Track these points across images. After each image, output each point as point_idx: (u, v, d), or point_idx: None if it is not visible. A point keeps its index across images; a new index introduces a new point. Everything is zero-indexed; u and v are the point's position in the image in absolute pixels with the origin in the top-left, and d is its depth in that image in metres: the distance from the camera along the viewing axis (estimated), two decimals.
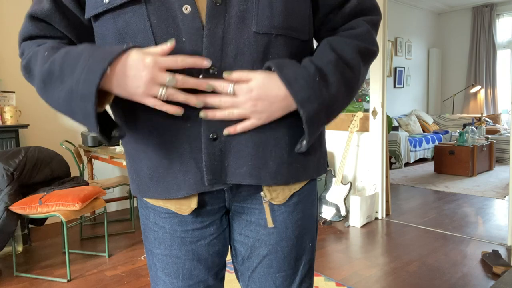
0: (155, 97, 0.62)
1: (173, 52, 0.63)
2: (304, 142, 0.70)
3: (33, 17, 0.71)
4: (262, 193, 0.74)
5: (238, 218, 0.79)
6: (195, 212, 0.75)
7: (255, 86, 0.64)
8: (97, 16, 0.68)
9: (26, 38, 0.72)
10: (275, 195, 0.74)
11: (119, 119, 0.73)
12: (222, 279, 0.84)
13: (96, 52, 0.61)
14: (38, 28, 0.71)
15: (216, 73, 0.64)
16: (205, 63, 0.62)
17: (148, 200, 0.78)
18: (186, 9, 0.63)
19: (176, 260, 0.77)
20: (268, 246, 0.76)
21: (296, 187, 0.76)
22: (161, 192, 0.73)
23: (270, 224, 0.74)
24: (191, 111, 0.66)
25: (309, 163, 0.76)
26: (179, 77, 0.61)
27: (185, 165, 0.69)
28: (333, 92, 0.68)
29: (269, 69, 0.67)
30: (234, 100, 0.65)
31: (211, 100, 0.65)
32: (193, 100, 0.63)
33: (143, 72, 0.59)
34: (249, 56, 0.65)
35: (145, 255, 2.75)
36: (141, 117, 0.69)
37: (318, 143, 0.78)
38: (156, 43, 0.64)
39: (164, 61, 0.60)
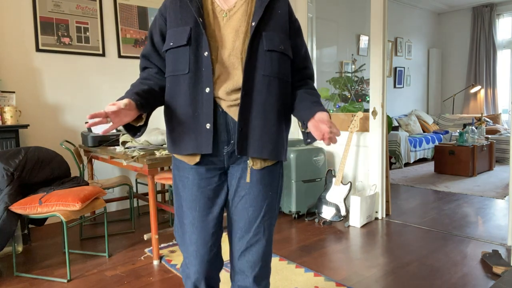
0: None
1: (196, 76, 1.20)
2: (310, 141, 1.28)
3: (142, 55, 1.34)
4: (248, 161, 1.26)
5: (231, 175, 1.30)
6: (206, 169, 1.27)
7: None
8: (166, 52, 1.26)
9: (141, 68, 1.37)
10: (255, 164, 1.26)
11: (169, 114, 1.27)
12: (222, 211, 1.32)
13: (129, 91, 1.21)
14: (144, 64, 1.35)
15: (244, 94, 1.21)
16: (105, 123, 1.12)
17: (177, 156, 1.30)
18: (206, 54, 1.19)
19: (195, 198, 1.27)
20: (245, 190, 1.27)
21: (269, 162, 1.29)
22: (182, 149, 1.26)
23: (248, 180, 1.27)
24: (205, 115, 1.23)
25: (279, 152, 1.28)
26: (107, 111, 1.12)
27: (201, 137, 1.23)
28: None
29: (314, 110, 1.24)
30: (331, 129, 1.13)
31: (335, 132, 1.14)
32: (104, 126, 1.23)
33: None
34: (260, 89, 1.23)
35: (145, 255, 2.75)
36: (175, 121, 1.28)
37: (287, 139, 1.34)
38: (189, 71, 1.20)
39: (112, 105, 1.13)
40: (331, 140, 1.11)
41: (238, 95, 1.20)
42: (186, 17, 1.22)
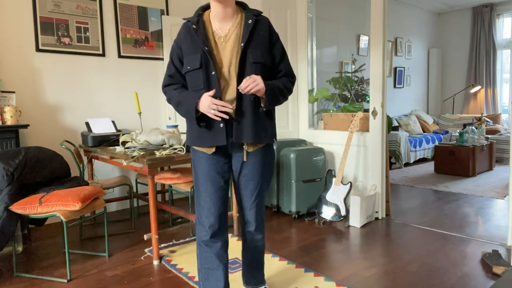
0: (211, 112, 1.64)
1: (209, 89, 1.66)
2: (263, 107, 1.72)
3: (168, 75, 1.80)
4: (244, 146, 1.75)
5: (234, 159, 1.82)
6: (215, 154, 1.76)
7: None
8: (186, 73, 1.74)
9: (166, 85, 1.83)
10: (249, 147, 1.77)
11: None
12: (228, 184, 1.83)
13: (195, 95, 1.67)
14: (170, 81, 1.81)
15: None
16: (229, 109, 1.64)
17: (196, 148, 1.79)
18: (213, 73, 1.66)
19: (207, 172, 1.76)
20: (246, 169, 1.81)
21: (260, 145, 1.79)
22: (204, 143, 1.74)
23: (245, 159, 1.78)
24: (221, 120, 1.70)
25: (267, 136, 1.77)
26: (219, 105, 1.61)
27: (217, 134, 1.71)
28: (275, 89, 1.73)
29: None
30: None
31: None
32: (225, 116, 1.63)
33: (207, 105, 1.62)
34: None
35: (145, 255, 2.75)
36: (203, 117, 1.72)
37: (271, 127, 1.79)
38: (203, 86, 1.67)
39: (214, 102, 1.61)
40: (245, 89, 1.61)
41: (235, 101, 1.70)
42: (196, 47, 1.68)
